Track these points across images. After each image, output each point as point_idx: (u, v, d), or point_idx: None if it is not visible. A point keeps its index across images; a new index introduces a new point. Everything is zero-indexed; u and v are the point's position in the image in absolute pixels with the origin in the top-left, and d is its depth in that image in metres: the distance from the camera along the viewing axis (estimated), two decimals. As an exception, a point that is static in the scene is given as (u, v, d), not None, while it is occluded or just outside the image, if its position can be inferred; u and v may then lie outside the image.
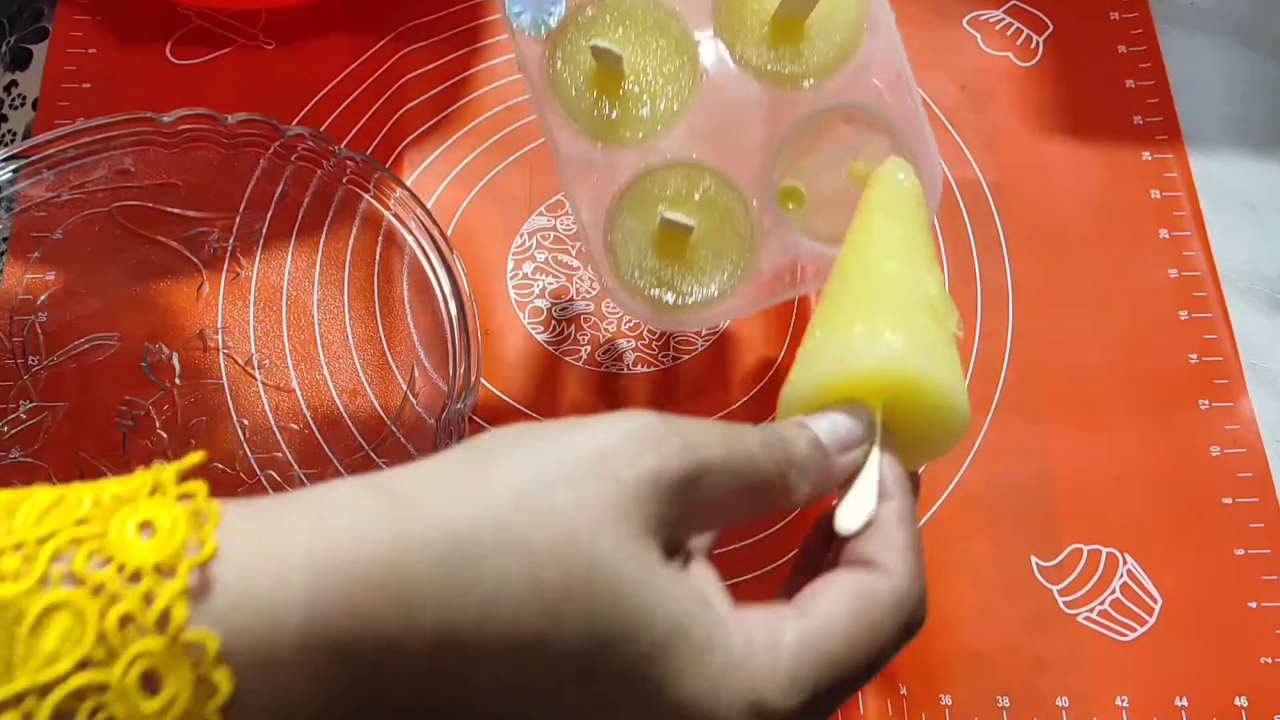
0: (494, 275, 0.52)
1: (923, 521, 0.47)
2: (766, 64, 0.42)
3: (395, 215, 0.51)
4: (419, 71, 0.57)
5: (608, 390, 0.50)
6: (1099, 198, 0.54)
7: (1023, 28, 0.58)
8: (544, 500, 0.21)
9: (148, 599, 0.19)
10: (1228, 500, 0.47)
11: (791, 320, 0.50)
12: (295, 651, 0.20)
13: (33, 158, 0.49)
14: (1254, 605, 0.45)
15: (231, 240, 0.50)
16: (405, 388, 0.48)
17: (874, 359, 0.28)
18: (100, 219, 0.51)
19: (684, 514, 0.23)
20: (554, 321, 0.51)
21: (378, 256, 0.51)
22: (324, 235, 0.51)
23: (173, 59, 0.57)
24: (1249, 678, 0.44)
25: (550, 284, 0.52)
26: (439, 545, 0.21)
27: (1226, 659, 0.45)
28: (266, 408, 0.47)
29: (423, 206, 0.50)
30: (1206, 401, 0.49)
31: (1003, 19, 0.58)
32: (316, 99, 0.56)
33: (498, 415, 0.49)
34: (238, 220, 0.51)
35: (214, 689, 0.19)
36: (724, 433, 0.25)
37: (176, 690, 0.19)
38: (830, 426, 0.27)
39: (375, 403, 0.48)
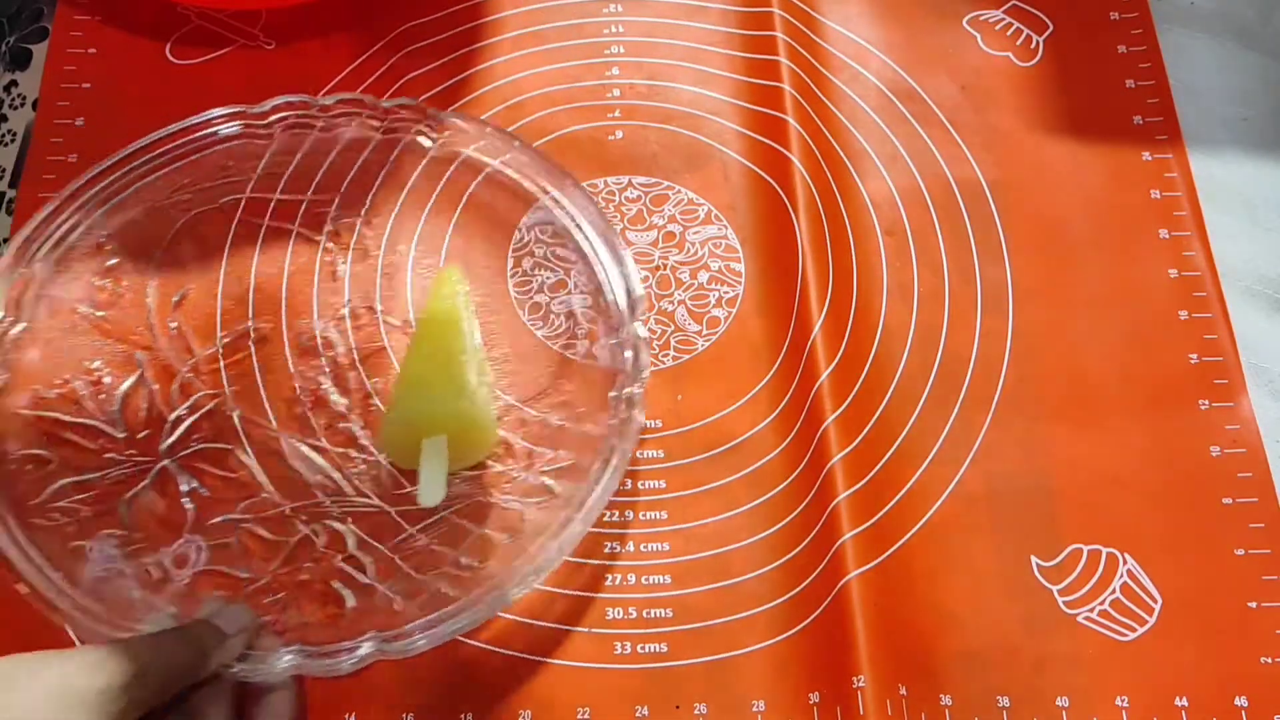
0: (495, 274, 0.52)
1: (922, 521, 0.47)
2: None
3: (507, 169, 0.52)
4: (419, 72, 0.57)
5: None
6: (1099, 198, 0.54)
7: (1023, 28, 0.58)
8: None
9: None
10: (1228, 500, 0.47)
11: (792, 321, 0.50)
12: None
13: (136, 162, 0.50)
14: (1254, 605, 0.45)
15: (360, 219, 0.52)
16: (566, 322, 0.50)
17: (430, 408, 0.45)
18: (213, 215, 0.52)
19: (126, 707, 0.33)
20: (553, 316, 0.51)
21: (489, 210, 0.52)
22: (436, 195, 0.53)
23: (173, 59, 0.57)
24: (1249, 678, 0.44)
25: (549, 279, 0.52)
26: None
27: (1226, 659, 0.45)
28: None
29: (534, 154, 0.51)
30: (1206, 401, 0.49)
31: (1003, 19, 0.58)
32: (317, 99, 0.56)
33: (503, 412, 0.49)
34: (335, 200, 0.53)
35: None
36: (154, 642, 0.37)
37: None
38: (229, 616, 0.40)
39: (547, 342, 0.50)
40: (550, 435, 0.48)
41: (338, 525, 0.46)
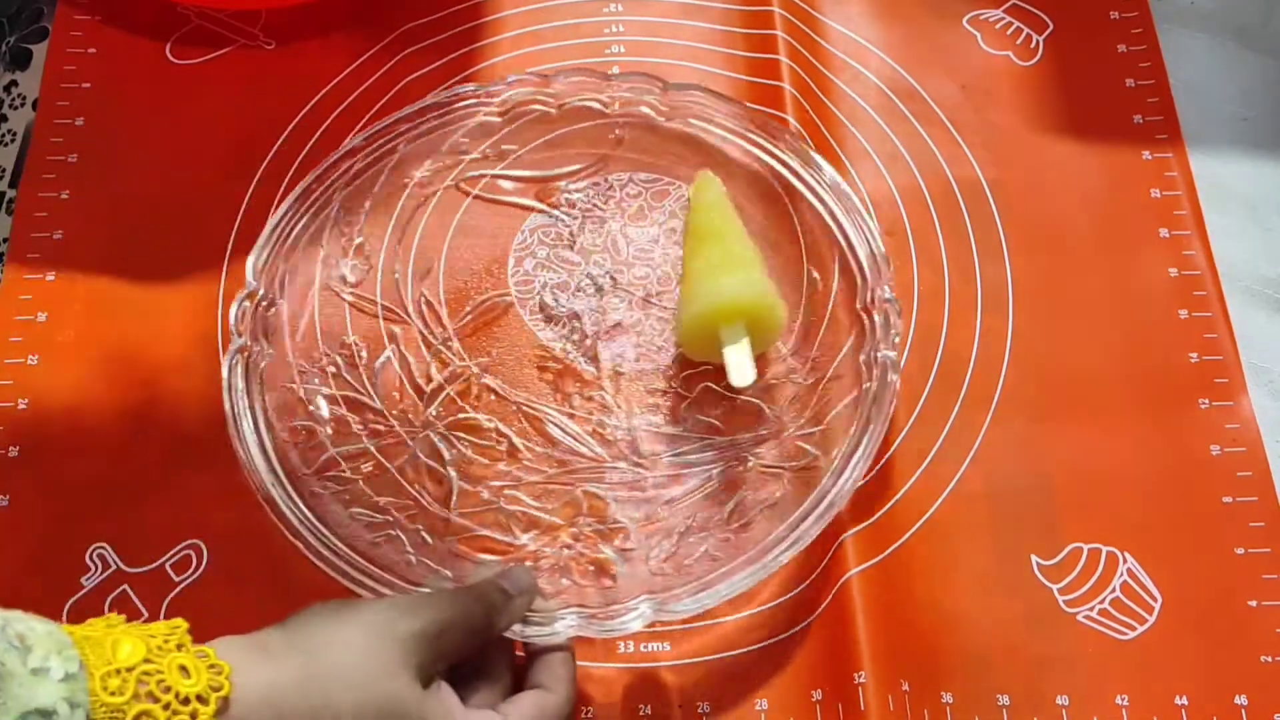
0: (495, 272, 0.52)
1: (923, 519, 0.47)
2: None
3: (732, 134, 0.53)
4: (419, 72, 0.57)
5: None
6: (1099, 197, 0.54)
7: (1023, 27, 0.58)
8: (359, 656, 0.36)
9: (193, 716, 0.32)
10: (1228, 499, 0.47)
11: (799, 316, 0.50)
12: None
13: (380, 141, 0.52)
14: (1254, 604, 0.45)
15: (583, 187, 0.54)
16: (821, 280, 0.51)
17: (724, 295, 0.46)
18: (451, 191, 0.54)
19: (434, 656, 0.37)
20: (554, 318, 0.51)
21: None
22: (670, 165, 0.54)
23: (173, 59, 0.57)
24: (1249, 676, 0.44)
25: (551, 279, 0.52)
26: (308, 685, 0.34)
27: (1226, 657, 0.45)
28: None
29: (759, 126, 0.53)
30: (1206, 400, 0.49)
31: (1003, 18, 0.58)
32: (316, 99, 0.56)
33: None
34: (572, 172, 0.55)
35: None
36: (453, 597, 0.39)
37: None
38: (514, 578, 0.41)
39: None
40: (801, 396, 0.49)
41: (598, 491, 0.47)
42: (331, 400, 0.49)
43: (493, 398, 0.49)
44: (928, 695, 0.44)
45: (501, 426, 0.49)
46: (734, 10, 0.58)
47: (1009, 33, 0.58)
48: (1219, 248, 0.53)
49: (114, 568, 0.46)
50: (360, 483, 0.47)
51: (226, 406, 0.46)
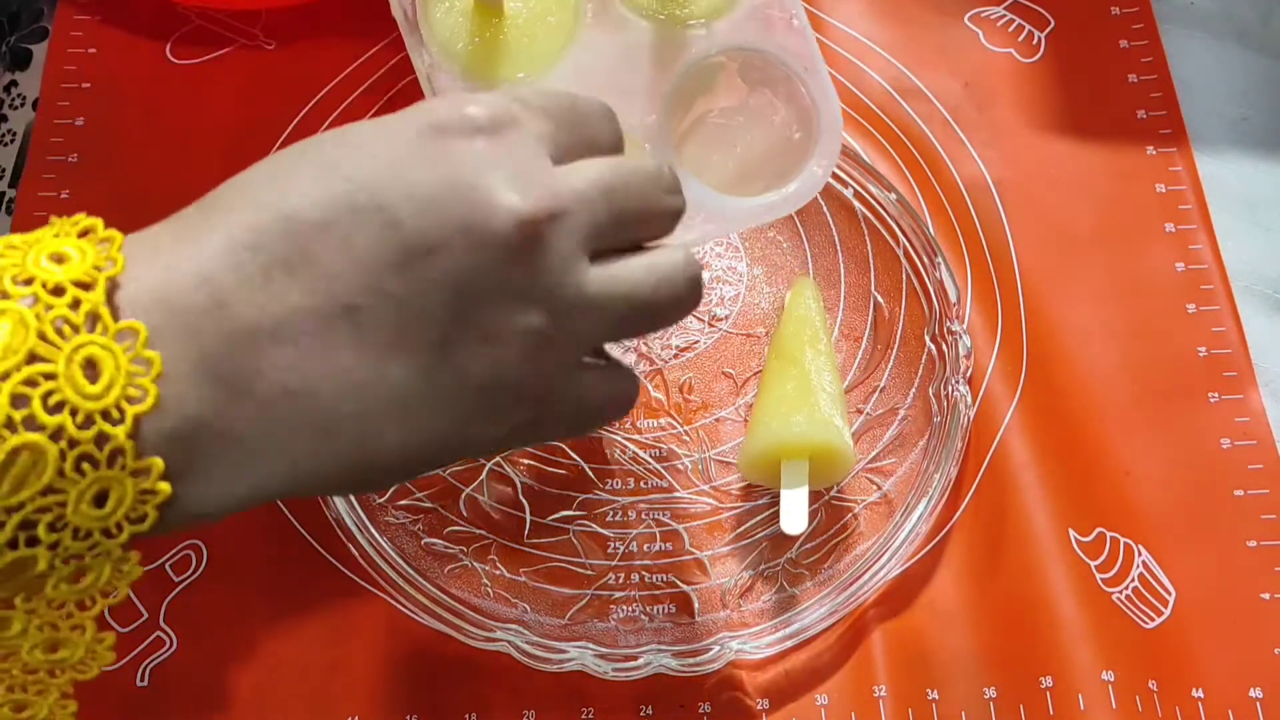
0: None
1: (951, 523, 0.47)
2: (654, 5, 0.41)
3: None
4: (419, 73, 0.57)
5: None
6: (1104, 193, 0.54)
7: (1024, 24, 0.58)
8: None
9: (74, 305, 0.24)
10: (1239, 492, 0.47)
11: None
12: (208, 312, 0.26)
13: None
14: (1267, 597, 0.45)
15: None
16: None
17: (792, 433, 0.44)
18: None
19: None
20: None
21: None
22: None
23: (173, 59, 0.57)
24: (1264, 669, 0.44)
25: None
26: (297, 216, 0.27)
27: (1241, 651, 0.44)
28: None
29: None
30: (1216, 394, 0.49)
31: (1004, 15, 0.58)
32: (316, 99, 0.56)
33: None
34: None
35: (147, 365, 0.24)
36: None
37: (114, 370, 0.24)
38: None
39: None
40: (869, 427, 0.49)
41: (671, 522, 0.47)
42: None
43: None
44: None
45: (571, 453, 0.48)
46: (736, 9, 0.58)
47: (1011, 30, 0.58)
48: (1219, 247, 0.53)
49: (113, 568, 0.46)
50: (432, 512, 0.47)
51: None
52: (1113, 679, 0.43)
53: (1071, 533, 0.46)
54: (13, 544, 0.24)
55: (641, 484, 0.48)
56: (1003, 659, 0.44)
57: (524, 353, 0.29)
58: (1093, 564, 0.46)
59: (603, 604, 0.45)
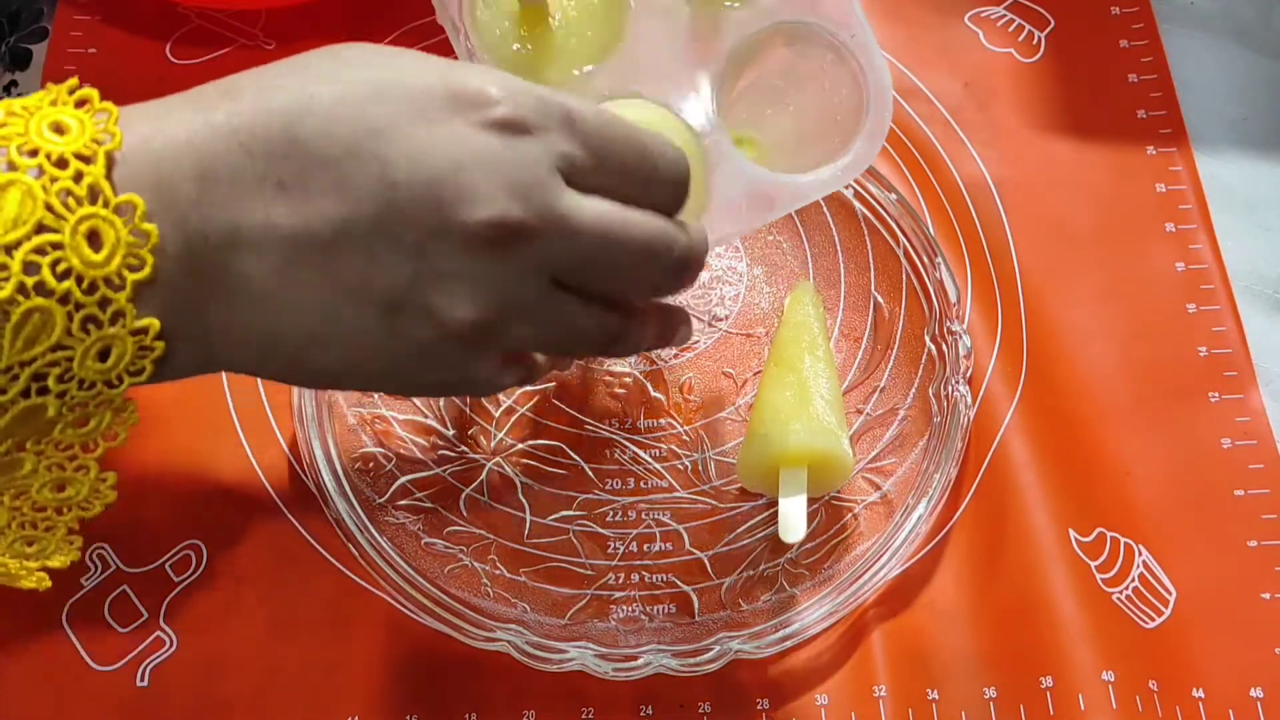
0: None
1: (951, 523, 0.47)
2: None
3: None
4: (420, 72, 0.56)
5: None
6: (1104, 192, 0.54)
7: (1024, 24, 0.58)
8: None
9: (77, 178, 0.25)
10: (1239, 492, 0.47)
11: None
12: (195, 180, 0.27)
13: None
14: (1268, 596, 0.45)
15: None
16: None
17: (790, 441, 0.44)
18: None
19: None
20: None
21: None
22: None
23: (173, 59, 0.57)
24: (1264, 669, 0.44)
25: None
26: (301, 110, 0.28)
27: (1241, 650, 0.44)
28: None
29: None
30: (1216, 394, 0.49)
31: (1004, 15, 0.58)
32: (317, 99, 0.56)
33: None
34: None
35: (146, 237, 0.26)
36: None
37: (115, 241, 0.26)
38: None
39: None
40: (869, 427, 0.48)
41: (670, 522, 0.47)
42: (401, 424, 0.48)
43: (562, 423, 0.48)
44: (955, 695, 0.44)
45: (572, 454, 0.48)
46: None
47: (1010, 30, 0.58)
48: (1219, 247, 0.53)
49: (114, 568, 0.46)
50: (432, 512, 0.47)
51: (299, 435, 0.46)
52: (1113, 679, 0.43)
53: (1071, 533, 0.46)
54: (25, 393, 0.26)
55: (641, 484, 0.47)
56: (1003, 659, 0.44)
57: (464, 341, 0.30)
58: (1093, 564, 0.46)
59: (603, 604, 0.45)
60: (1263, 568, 0.46)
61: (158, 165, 0.27)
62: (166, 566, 0.46)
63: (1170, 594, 0.45)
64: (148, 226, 0.26)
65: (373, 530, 0.45)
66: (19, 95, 0.56)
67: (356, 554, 0.45)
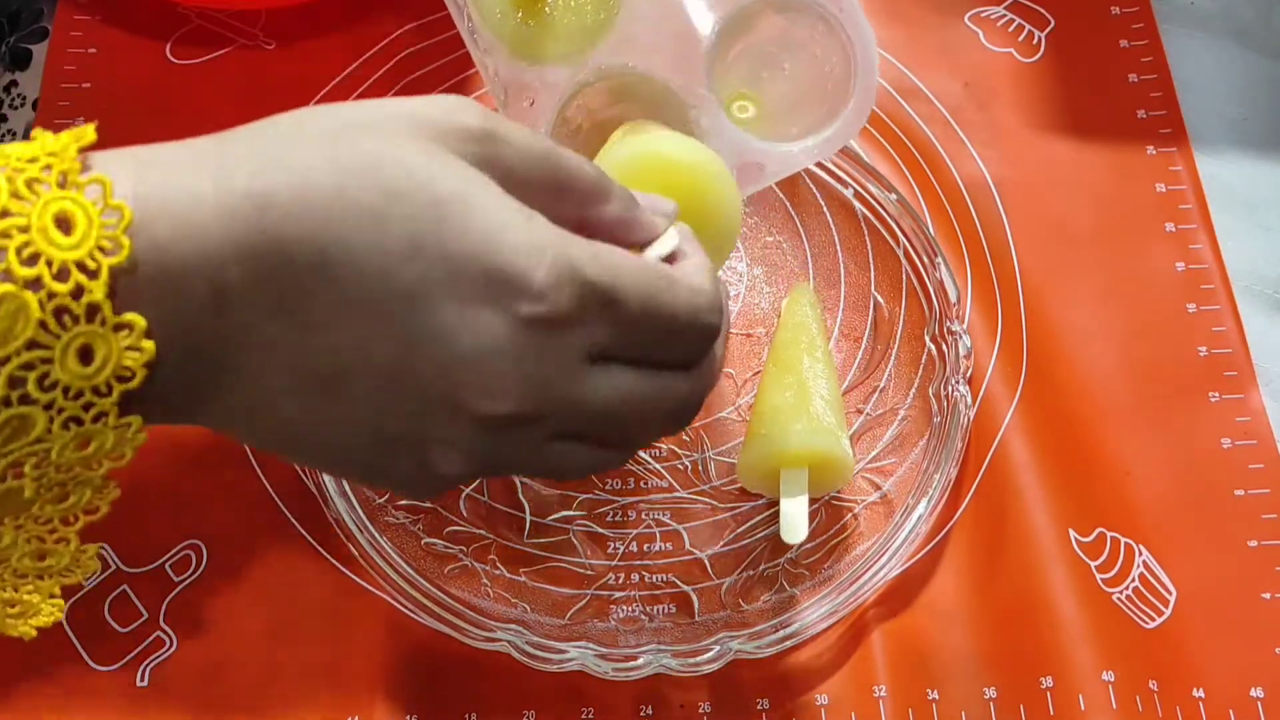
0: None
1: (951, 523, 0.47)
2: None
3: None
4: (420, 73, 0.57)
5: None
6: (1104, 192, 0.54)
7: (1024, 24, 0.58)
8: (380, 115, 0.28)
9: (76, 294, 0.24)
10: (1240, 492, 0.47)
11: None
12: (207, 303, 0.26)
13: None
14: (1268, 596, 0.45)
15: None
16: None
17: (790, 442, 0.44)
18: None
19: (484, 156, 0.28)
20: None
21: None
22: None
23: (173, 59, 0.57)
24: (1265, 669, 0.44)
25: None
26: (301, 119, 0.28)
27: (1242, 650, 0.44)
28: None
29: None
30: (1216, 394, 0.49)
31: (1004, 15, 0.58)
32: (316, 99, 0.56)
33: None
34: None
35: (118, 216, 0.24)
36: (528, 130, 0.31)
37: (107, 355, 0.25)
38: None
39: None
40: (869, 427, 0.48)
41: (670, 522, 0.47)
42: None
43: None
44: (956, 697, 0.44)
45: None
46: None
47: (1010, 29, 0.58)
48: (1219, 247, 0.53)
49: (114, 568, 0.46)
50: (432, 512, 0.46)
51: None
52: (1113, 679, 0.43)
53: (1072, 533, 0.46)
54: (7, 402, 0.24)
55: (641, 484, 0.47)
56: (1003, 659, 0.44)
57: (450, 482, 0.30)
58: (1093, 564, 0.46)
59: (603, 604, 0.45)
60: (1263, 568, 0.46)
61: (167, 281, 0.25)
62: (166, 566, 0.46)
63: (1170, 594, 0.45)
64: (146, 344, 0.25)
65: (372, 530, 0.45)
66: (19, 95, 0.56)
67: (356, 554, 0.45)
